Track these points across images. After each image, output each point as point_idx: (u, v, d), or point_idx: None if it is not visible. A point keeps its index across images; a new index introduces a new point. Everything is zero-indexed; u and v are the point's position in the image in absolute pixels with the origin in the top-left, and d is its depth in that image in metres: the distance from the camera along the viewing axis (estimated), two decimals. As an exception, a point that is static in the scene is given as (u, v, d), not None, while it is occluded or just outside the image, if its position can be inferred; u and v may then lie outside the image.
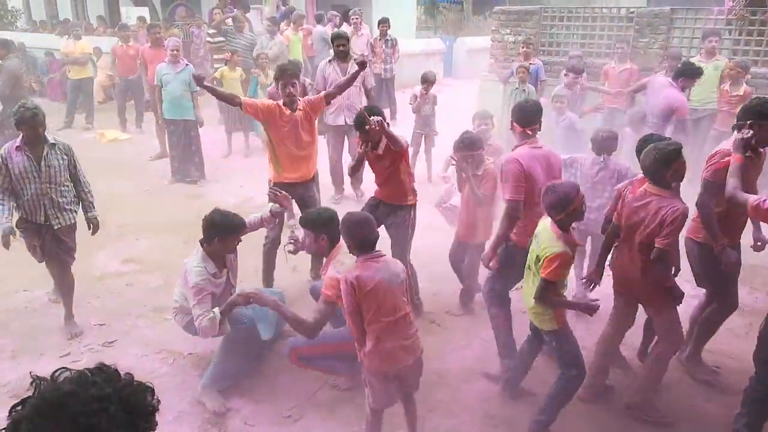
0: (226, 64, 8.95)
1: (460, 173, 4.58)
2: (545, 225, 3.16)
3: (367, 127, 4.00)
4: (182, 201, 7.18)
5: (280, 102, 4.67)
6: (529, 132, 3.72)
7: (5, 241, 4.09)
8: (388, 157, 4.25)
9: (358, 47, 10.42)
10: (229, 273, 3.83)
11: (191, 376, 3.87)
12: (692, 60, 7.18)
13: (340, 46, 6.73)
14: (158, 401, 1.27)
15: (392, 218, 4.40)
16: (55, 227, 4.24)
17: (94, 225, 4.47)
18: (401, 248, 4.38)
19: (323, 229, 3.46)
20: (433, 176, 7.50)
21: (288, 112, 4.63)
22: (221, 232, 3.57)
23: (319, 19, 11.48)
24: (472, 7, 22.69)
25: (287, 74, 4.61)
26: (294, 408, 3.60)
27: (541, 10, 9.44)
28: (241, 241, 3.76)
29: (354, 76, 4.94)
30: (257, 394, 3.74)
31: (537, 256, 3.15)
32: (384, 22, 10.10)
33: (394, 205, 4.39)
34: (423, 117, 7.45)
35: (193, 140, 7.72)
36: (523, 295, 3.45)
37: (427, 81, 7.33)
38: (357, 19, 10.59)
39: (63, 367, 1.25)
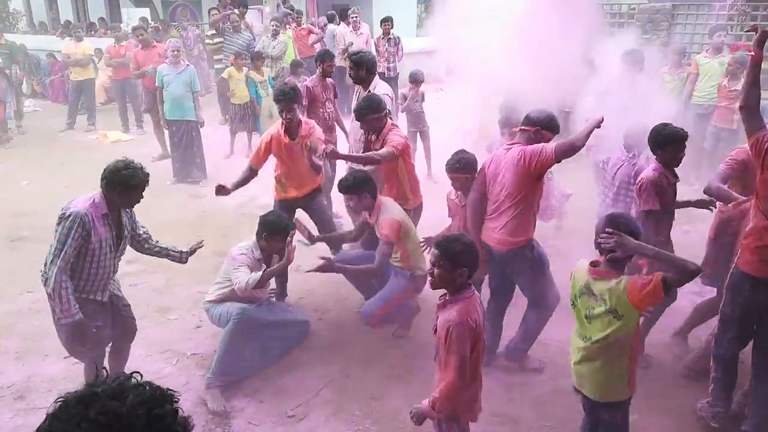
0: (232, 65, 8.94)
1: (452, 201, 4.21)
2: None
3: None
4: (184, 201, 7.18)
5: (280, 128, 4.57)
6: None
7: (82, 337, 3.25)
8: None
9: (357, 46, 10.43)
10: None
11: (195, 377, 3.88)
12: (698, 57, 7.17)
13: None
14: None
15: None
16: (112, 299, 3.53)
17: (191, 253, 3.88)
18: None
19: (364, 188, 3.98)
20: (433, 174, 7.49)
21: (287, 140, 4.55)
22: (268, 230, 3.90)
23: (331, 19, 11.63)
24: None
25: (286, 99, 4.47)
26: (298, 407, 3.60)
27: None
28: (283, 247, 3.85)
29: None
30: (261, 393, 3.75)
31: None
32: (387, 21, 10.08)
33: None
34: (414, 115, 7.58)
35: (194, 141, 7.73)
36: (573, 351, 2.79)
37: (416, 81, 7.55)
38: (356, 18, 10.61)
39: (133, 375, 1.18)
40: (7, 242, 6.06)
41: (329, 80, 6.21)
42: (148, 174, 3.31)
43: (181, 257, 3.82)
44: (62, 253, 3.12)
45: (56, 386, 3.68)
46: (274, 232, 3.89)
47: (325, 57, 6.23)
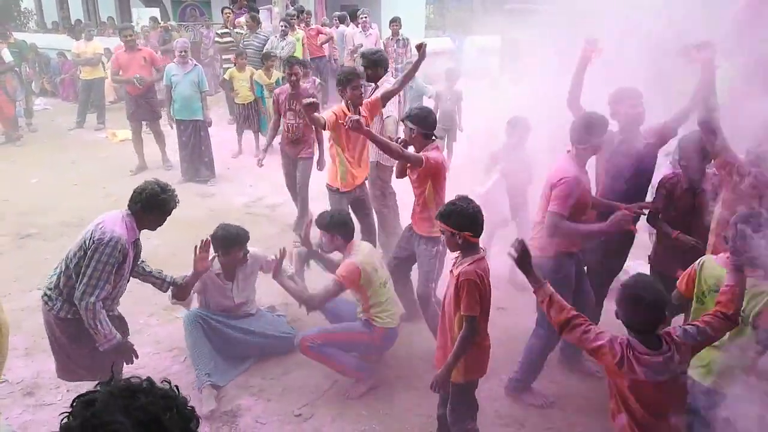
0: (235, 65, 8.97)
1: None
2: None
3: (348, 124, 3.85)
4: (192, 200, 7.20)
5: (343, 107, 4.61)
6: None
7: (127, 353, 3.29)
8: (415, 170, 3.93)
9: (366, 47, 10.44)
10: (234, 286, 3.99)
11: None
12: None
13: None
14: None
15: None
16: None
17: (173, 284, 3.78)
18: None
19: (337, 230, 3.79)
20: None
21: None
22: (223, 245, 3.86)
23: (342, 19, 11.75)
24: (482, 5, 22.63)
25: (356, 77, 4.57)
26: (305, 407, 3.61)
27: (552, 8, 9.39)
28: (246, 253, 3.93)
29: (416, 67, 4.68)
30: (268, 392, 3.75)
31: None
32: (395, 22, 10.10)
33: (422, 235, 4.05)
34: (443, 113, 7.65)
35: (202, 140, 7.76)
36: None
37: (451, 78, 7.66)
38: (365, 18, 10.63)
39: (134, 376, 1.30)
40: (15, 239, 6.10)
41: (307, 90, 5.92)
42: (178, 198, 3.32)
43: (162, 286, 3.70)
44: (103, 284, 3.03)
45: (64, 383, 3.69)
46: (229, 245, 3.84)
47: (285, 64, 5.92)
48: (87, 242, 3.08)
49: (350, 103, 4.60)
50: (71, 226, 6.34)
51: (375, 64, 5.00)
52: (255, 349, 4.05)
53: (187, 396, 1.29)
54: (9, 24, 14.05)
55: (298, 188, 6.12)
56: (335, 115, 4.53)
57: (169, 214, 3.29)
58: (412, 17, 16.79)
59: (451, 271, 2.90)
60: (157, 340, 4.27)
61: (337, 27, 11.67)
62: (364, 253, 3.76)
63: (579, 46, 3.68)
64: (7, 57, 9.85)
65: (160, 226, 3.34)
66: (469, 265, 2.79)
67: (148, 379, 1.24)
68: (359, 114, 4.44)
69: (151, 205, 3.16)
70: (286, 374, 3.92)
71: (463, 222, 2.79)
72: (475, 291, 2.75)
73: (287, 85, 5.99)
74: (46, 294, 3.20)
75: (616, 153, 3.61)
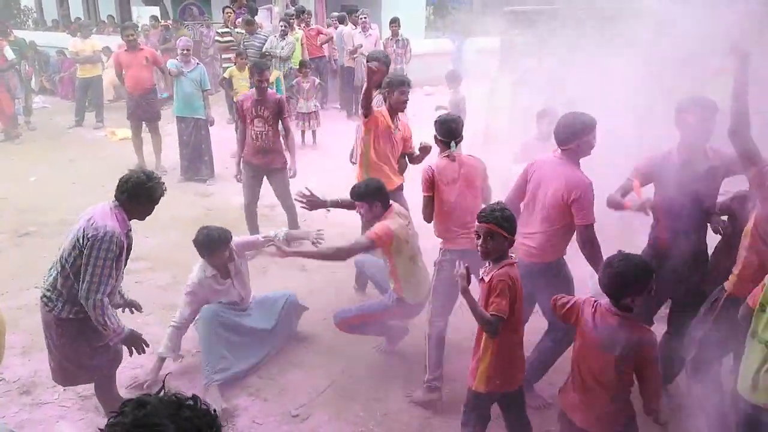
0: (235, 64, 8.97)
1: None
2: None
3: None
4: (191, 199, 7.21)
5: (383, 110, 4.60)
6: None
7: (137, 343, 3.29)
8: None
9: (366, 47, 10.44)
10: (233, 281, 3.99)
11: (200, 375, 3.87)
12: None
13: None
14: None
15: None
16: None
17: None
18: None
19: (376, 197, 3.79)
20: None
21: (390, 124, 4.59)
22: (207, 249, 3.83)
23: (341, 20, 11.84)
24: (481, 7, 22.64)
25: (406, 85, 4.55)
26: (302, 407, 3.60)
27: (552, 10, 9.40)
28: (232, 251, 3.93)
29: (412, 161, 4.84)
30: (265, 392, 3.75)
31: None
32: (395, 22, 10.11)
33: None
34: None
35: (203, 139, 7.77)
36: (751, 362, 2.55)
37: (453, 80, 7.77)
38: (365, 18, 10.62)
39: (146, 394, 1.35)
40: (13, 237, 6.10)
41: (273, 96, 5.52)
42: (165, 186, 3.27)
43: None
44: (106, 279, 3.02)
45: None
46: (214, 247, 3.81)
47: (253, 69, 5.41)
48: (81, 240, 3.03)
49: (392, 108, 4.59)
50: (70, 224, 6.23)
51: (387, 67, 4.97)
52: (270, 340, 4.09)
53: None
54: (9, 21, 14.02)
55: (281, 201, 5.76)
56: (377, 117, 4.53)
57: (157, 203, 3.22)
58: (412, 18, 16.80)
59: (482, 279, 2.83)
60: (155, 340, 4.22)
61: (336, 27, 11.69)
62: (399, 222, 3.77)
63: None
64: (10, 55, 9.84)
65: (148, 215, 3.27)
66: (501, 268, 2.73)
67: (194, 397, 1.33)
68: (396, 122, 4.63)
69: (138, 194, 3.11)
70: (283, 374, 3.92)
71: (515, 226, 2.76)
72: (507, 293, 2.68)
73: (252, 90, 5.57)
74: (45, 295, 3.17)
75: (675, 178, 3.22)
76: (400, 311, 3.93)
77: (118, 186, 3.15)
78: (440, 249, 3.80)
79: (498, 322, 2.67)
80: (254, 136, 5.49)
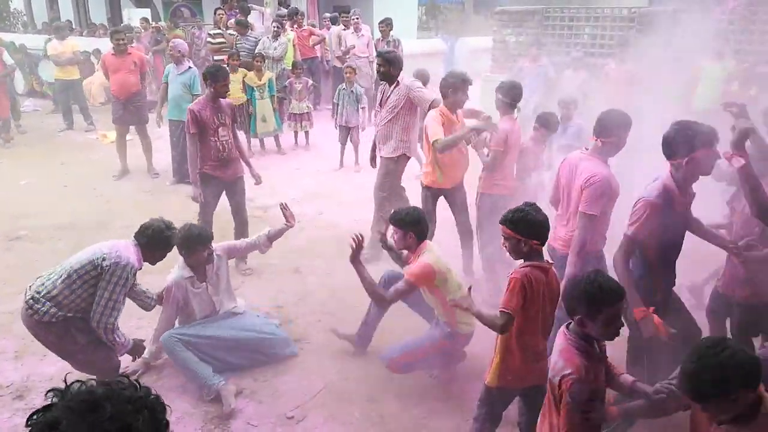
0: (227, 66, 8.93)
1: None
2: None
3: None
4: (184, 201, 7.15)
5: (444, 109, 4.74)
6: None
7: (139, 351, 3.83)
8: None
9: (359, 48, 10.45)
10: (208, 286, 3.92)
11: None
12: (701, 61, 7.18)
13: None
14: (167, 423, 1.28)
15: None
16: None
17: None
18: None
19: (412, 227, 3.68)
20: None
21: (455, 120, 4.75)
22: (186, 246, 3.77)
23: (334, 21, 11.88)
24: (473, 7, 22.71)
25: (466, 83, 4.68)
26: (297, 409, 3.60)
27: (543, 10, 9.43)
28: (211, 252, 3.88)
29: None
30: (260, 395, 3.74)
31: None
32: (384, 23, 10.09)
33: None
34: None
35: (192, 141, 7.71)
36: None
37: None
38: (357, 19, 10.61)
39: (78, 380, 1.23)
40: (5, 242, 6.05)
41: (225, 101, 5.20)
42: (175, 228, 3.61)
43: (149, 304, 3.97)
44: (120, 305, 3.36)
45: (54, 386, 3.66)
46: (192, 245, 3.74)
47: (218, 75, 5.06)
48: (100, 262, 3.29)
49: (453, 105, 4.74)
50: (61, 228, 6.30)
51: (387, 62, 5.21)
52: (243, 350, 3.97)
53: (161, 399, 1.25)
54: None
55: (240, 214, 5.49)
56: (439, 116, 4.71)
57: (170, 250, 3.61)
58: (405, 19, 16.83)
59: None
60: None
61: (329, 28, 11.68)
62: (435, 253, 3.66)
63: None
64: (8, 60, 9.78)
65: (160, 260, 3.66)
66: (523, 267, 2.71)
67: (108, 383, 1.18)
68: (456, 116, 4.80)
69: (156, 241, 3.48)
70: (278, 376, 3.91)
71: (531, 230, 2.71)
72: (519, 290, 2.64)
73: (203, 99, 5.17)
74: (33, 298, 3.26)
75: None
76: (453, 344, 3.74)
77: (138, 230, 3.51)
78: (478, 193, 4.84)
79: (505, 318, 2.66)
80: (220, 147, 5.09)
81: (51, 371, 3.92)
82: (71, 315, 3.33)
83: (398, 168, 5.45)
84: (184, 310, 3.92)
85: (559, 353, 2.30)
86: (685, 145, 2.89)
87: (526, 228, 2.70)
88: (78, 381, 1.23)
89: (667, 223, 2.98)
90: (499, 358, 2.83)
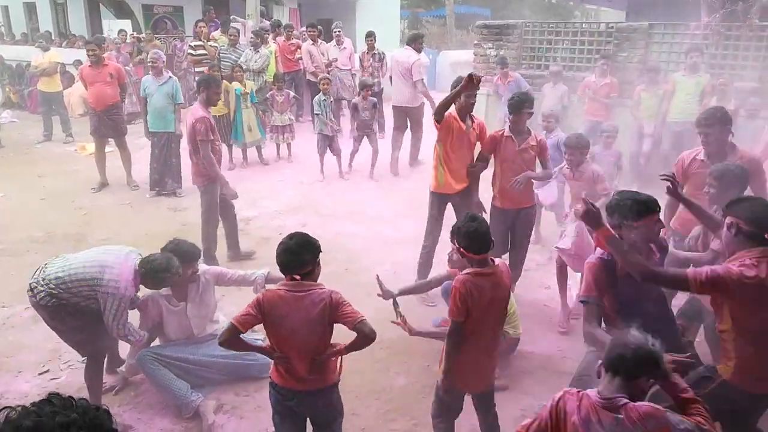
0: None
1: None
2: None
3: None
4: (164, 213, 7.11)
5: (453, 113, 4.71)
6: None
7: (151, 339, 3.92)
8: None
9: (341, 61, 10.47)
10: (188, 306, 3.83)
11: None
12: (675, 75, 7.31)
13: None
14: (117, 425, 1.26)
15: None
16: None
17: None
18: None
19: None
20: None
21: (463, 126, 4.70)
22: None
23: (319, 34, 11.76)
24: (455, 21, 22.95)
25: (474, 86, 4.56)
26: (278, 423, 3.55)
27: (523, 24, 9.56)
28: (195, 271, 3.82)
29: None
30: (241, 410, 3.71)
31: None
32: (371, 36, 10.13)
33: None
34: (362, 120, 8.22)
35: (173, 152, 7.66)
36: None
37: (366, 86, 8.29)
38: (339, 32, 10.64)
39: (7, 407, 1.18)
40: (-20, 255, 5.94)
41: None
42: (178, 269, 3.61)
43: None
44: (125, 317, 3.54)
45: (30, 402, 3.58)
46: (179, 261, 3.64)
47: (210, 82, 5.35)
48: (96, 287, 3.41)
49: (462, 109, 4.71)
50: (38, 241, 6.20)
51: (413, 40, 7.51)
52: (218, 373, 3.91)
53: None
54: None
55: (229, 209, 5.69)
56: (449, 120, 4.70)
57: (163, 287, 3.73)
58: (387, 31, 16.93)
59: None
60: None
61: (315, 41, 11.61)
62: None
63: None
64: None
65: (155, 290, 3.77)
66: (464, 274, 2.83)
67: (41, 409, 1.16)
68: (471, 122, 4.79)
69: (149, 278, 3.55)
70: (260, 391, 3.86)
71: (460, 240, 2.86)
72: (459, 298, 2.76)
73: (200, 106, 5.37)
74: (37, 283, 3.47)
75: None
76: (505, 347, 3.86)
77: (145, 258, 3.58)
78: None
79: (456, 326, 2.82)
80: (218, 150, 5.36)
81: (26, 388, 3.85)
82: (65, 303, 3.48)
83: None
84: (159, 328, 3.86)
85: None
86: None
87: (462, 239, 2.86)
88: (8, 407, 1.19)
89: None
90: (442, 357, 2.96)
